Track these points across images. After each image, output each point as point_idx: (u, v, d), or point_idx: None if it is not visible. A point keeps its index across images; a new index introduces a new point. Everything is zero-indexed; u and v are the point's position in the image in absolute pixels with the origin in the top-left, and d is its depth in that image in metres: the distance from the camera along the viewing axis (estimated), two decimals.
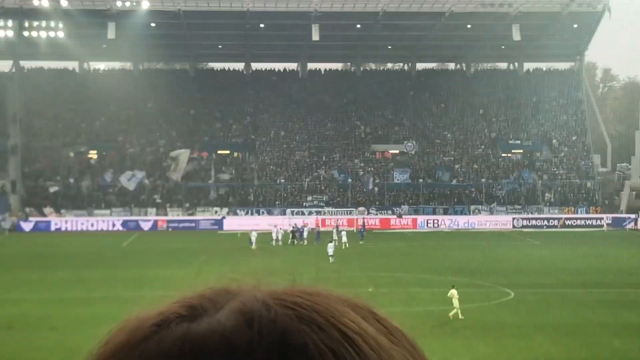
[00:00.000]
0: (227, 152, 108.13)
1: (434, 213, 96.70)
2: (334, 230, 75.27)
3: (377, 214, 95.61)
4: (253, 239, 69.26)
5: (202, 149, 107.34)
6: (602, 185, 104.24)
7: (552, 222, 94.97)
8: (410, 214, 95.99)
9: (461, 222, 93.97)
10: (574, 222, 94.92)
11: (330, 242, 63.12)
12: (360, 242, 73.96)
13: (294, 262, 55.76)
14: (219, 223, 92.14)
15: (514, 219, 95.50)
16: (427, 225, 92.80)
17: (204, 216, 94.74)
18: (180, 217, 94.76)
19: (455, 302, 37.56)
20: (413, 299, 42.30)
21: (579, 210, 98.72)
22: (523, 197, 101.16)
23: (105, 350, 1.05)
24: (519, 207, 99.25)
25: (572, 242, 74.27)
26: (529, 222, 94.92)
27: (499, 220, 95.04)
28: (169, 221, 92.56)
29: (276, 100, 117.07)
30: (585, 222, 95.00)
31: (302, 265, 53.55)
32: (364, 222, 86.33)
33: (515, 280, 49.01)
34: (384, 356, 1.00)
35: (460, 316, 37.26)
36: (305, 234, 76.61)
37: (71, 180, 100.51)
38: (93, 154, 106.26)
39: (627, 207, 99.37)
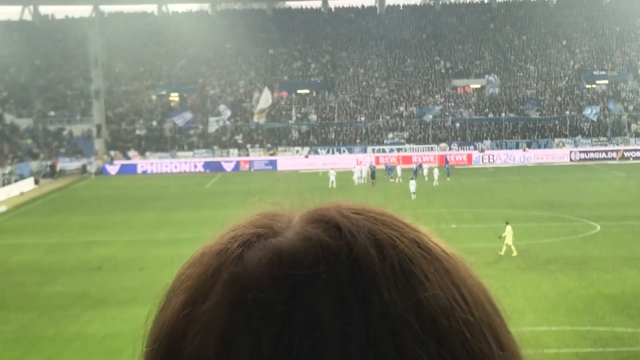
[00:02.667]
0: (307, 91, 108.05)
1: (517, 147, 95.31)
2: (425, 168, 75.25)
3: (458, 150, 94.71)
4: (332, 177, 69.46)
5: (282, 89, 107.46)
6: None
7: (610, 155, 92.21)
8: (493, 149, 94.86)
9: (517, 156, 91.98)
10: (633, 154, 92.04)
11: (412, 178, 62.84)
12: (448, 179, 73.49)
13: (375, 199, 55.61)
14: (273, 163, 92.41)
15: (571, 152, 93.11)
16: (482, 161, 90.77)
17: (285, 156, 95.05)
18: (236, 158, 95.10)
19: (509, 239, 36.85)
20: (497, 235, 41.96)
21: None
22: (609, 128, 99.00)
23: (195, 276, 1.05)
24: (605, 139, 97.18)
25: None
26: (587, 155, 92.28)
27: (555, 154, 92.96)
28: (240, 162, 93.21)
29: (354, 38, 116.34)
30: None
31: (383, 202, 53.45)
32: (446, 159, 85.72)
33: (601, 213, 48.26)
34: (450, 261, 1.04)
35: (514, 253, 36.63)
36: (399, 172, 75.20)
37: (154, 123, 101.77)
38: (174, 97, 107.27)
39: None
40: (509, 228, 37.28)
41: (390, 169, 76.81)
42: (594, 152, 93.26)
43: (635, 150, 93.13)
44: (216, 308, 0.98)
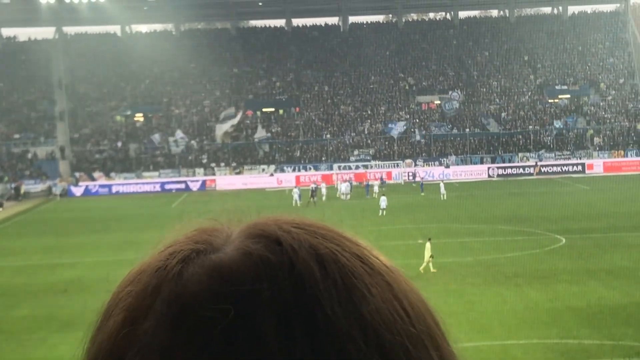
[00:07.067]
0: (272, 109, 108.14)
1: (482, 162, 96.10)
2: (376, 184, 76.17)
3: (424, 166, 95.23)
4: (296, 196, 69.78)
5: (247, 108, 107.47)
6: None
7: (527, 170, 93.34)
8: (458, 165, 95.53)
9: (436, 173, 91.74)
10: (550, 169, 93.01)
11: (383, 195, 63.17)
12: (422, 194, 74.48)
13: (343, 215, 55.87)
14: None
15: (489, 168, 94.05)
16: (401, 178, 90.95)
17: (251, 174, 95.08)
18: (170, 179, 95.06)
19: (427, 255, 36.63)
20: (464, 249, 42.22)
21: (629, 153, 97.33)
22: (571, 142, 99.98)
23: (134, 295, 1.02)
24: (568, 152, 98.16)
25: (621, 186, 73.27)
26: (505, 171, 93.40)
27: (474, 170, 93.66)
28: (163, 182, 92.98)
29: (319, 56, 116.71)
30: (561, 168, 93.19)
31: (352, 219, 53.63)
32: (415, 174, 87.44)
33: (566, 226, 48.68)
34: (391, 275, 1.03)
35: (432, 269, 36.34)
36: (348, 189, 76.24)
37: (119, 144, 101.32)
38: (139, 117, 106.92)
39: None
40: (428, 245, 36.89)
41: (367, 186, 77.60)
42: (512, 167, 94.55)
43: (553, 165, 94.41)
44: (156, 327, 0.96)
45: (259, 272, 0.96)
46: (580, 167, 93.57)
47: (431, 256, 36.45)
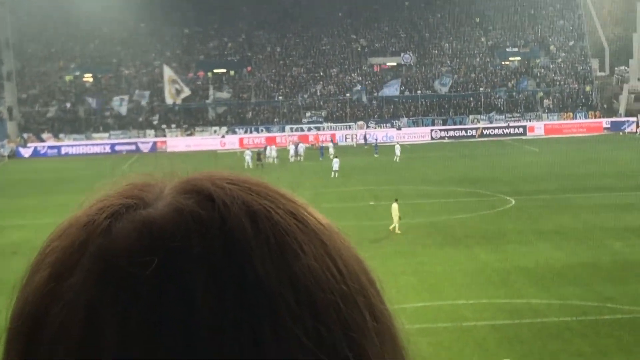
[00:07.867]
0: (223, 70, 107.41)
1: (433, 124, 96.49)
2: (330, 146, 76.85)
3: (375, 128, 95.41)
4: (248, 158, 69.59)
5: (198, 68, 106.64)
6: (600, 90, 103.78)
7: (470, 132, 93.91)
8: (410, 126, 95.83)
9: (380, 135, 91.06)
10: (492, 132, 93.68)
11: (336, 157, 63.18)
12: (375, 155, 74.93)
13: (296, 177, 55.88)
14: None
15: (432, 130, 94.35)
16: (345, 140, 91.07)
17: (203, 136, 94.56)
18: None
19: (395, 216, 36.98)
20: (415, 211, 42.46)
21: (578, 115, 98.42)
22: (522, 104, 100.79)
23: (60, 250, 1.00)
24: (518, 115, 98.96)
25: (570, 148, 74.20)
26: (447, 133, 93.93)
27: (417, 133, 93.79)
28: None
29: (271, 17, 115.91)
30: (503, 131, 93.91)
31: (305, 180, 53.64)
32: (365, 136, 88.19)
33: (515, 188, 49.20)
34: (325, 232, 1.00)
35: (397, 230, 36.75)
36: (301, 151, 76.67)
37: (68, 104, 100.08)
38: (88, 77, 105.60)
39: (626, 110, 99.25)
40: (395, 205, 37.25)
41: (296, 150, 77.27)
42: (455, 130, 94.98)
43: (494, 127, 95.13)
44: (82, 283, 0.93)
45: (189, 228, 0.94)
46: (521, 130, 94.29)
47: (399, 217, 36.80)
